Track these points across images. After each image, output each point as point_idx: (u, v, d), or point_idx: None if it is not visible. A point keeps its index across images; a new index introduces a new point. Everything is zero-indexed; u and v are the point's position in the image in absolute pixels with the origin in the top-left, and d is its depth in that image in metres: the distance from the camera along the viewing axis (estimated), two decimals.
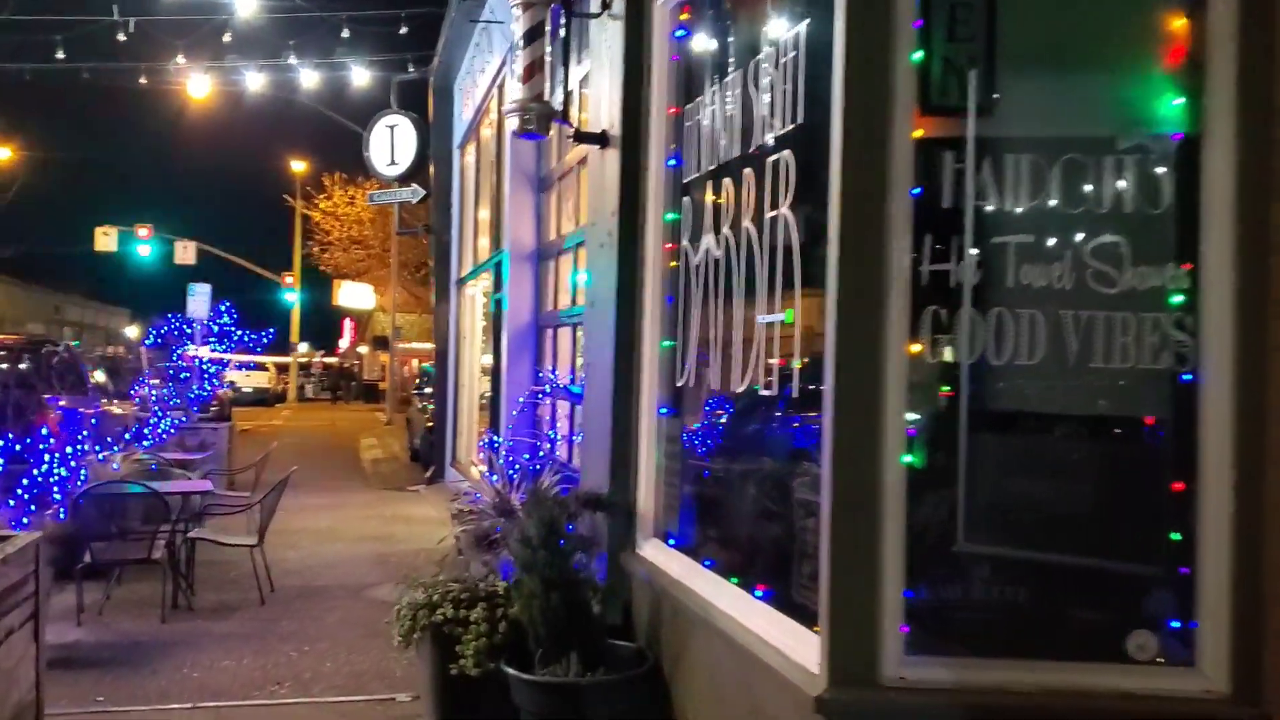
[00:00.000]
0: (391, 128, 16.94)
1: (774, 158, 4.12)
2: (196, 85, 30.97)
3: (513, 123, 5.84)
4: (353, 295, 50.76)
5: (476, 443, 14.70)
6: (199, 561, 8.96)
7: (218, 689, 6.29)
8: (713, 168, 4.80)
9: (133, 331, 43.07)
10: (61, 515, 7.97)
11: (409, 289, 42.86)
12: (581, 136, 6.03)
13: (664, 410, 5.40)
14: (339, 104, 27.22)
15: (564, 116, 6.08)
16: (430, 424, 17.75)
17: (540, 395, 10.63)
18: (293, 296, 50.34)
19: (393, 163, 16.80)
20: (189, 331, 15.67)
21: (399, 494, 15.55)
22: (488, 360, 14.45)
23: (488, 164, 14.66)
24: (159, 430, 13.64)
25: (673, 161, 5.34)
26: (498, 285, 12.65)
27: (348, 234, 43.23)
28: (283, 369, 54.21)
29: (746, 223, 4.34)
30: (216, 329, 15.43)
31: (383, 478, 17.95)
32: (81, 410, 12.73)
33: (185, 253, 46.16)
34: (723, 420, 4.88)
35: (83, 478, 9.03)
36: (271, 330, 15.54)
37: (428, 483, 16.18)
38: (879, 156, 3.41)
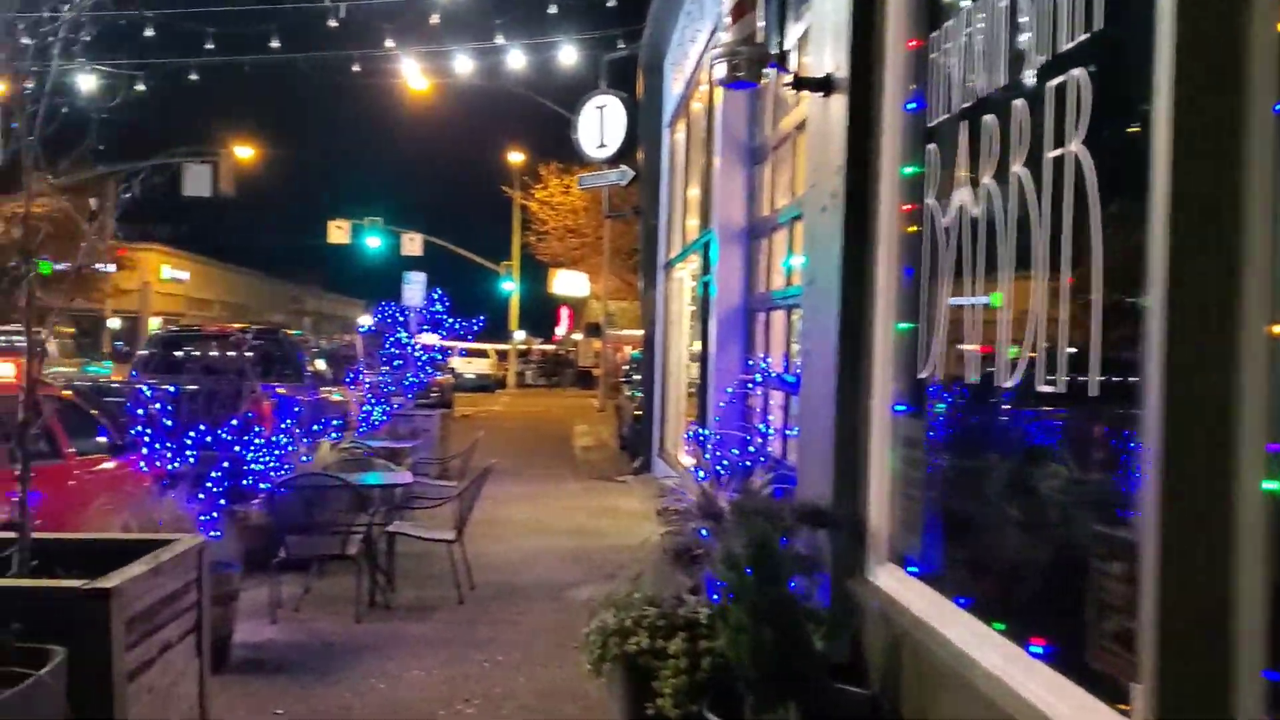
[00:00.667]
0: (600, 109, 16.50)
1: (1057, 81, 3.14)
2: (414, 77, 31.83)
3: (720, 71, 5.03)
4: (567, 283, 51.36)
5: (683, 433, 14.03)
6: (402, 553, 8.62)
7: (401, 704, 5.81)
8: (967, 105, 3.85)
9: (365, 320, 44.58)
10: (267, 506, 7.77)
11: (621, 276, 42.85)
12: (801, 83, 5.15)
13: (901, 407, 4.48)
14: (553, 90, 27.22)
15: (779, 61, 5.22)
16: (638, 412, 17.24)
17: (750, 384, 9.81)
18: (511, 285, 51.40)
19: (602, 145, 16.36)
20: (403, 319, 15.67)
21: (606, 484, 15.08)
22: (696, 346, 13.76)
23: (697, 140, 13.94)
24: (371, 418, 13.63)
25: (912, 105, 4.41)
26: (706, 267, 11.91)
27: (563, 223, 43.64)
28: (503, 356, 55.57)
29: (1017, 168, 3.38)
30: (428, 316, 15.36)
31: (591, 466, 17.58)
32: (297, 398, 12.81)
33: (412, 244, 47.84)
34: (981, 421, 3.92)
35: (285, 468, 8.86)
36: (482, 317, 15.34)
37: (635, 473, 15.66)
38: (1226, 62, 2.40)
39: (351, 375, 14.41)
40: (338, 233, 47.34)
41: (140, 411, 7.41)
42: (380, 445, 11.12)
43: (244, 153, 37.81)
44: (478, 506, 9.19)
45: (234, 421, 9.05)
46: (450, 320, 15.50)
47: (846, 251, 4.75)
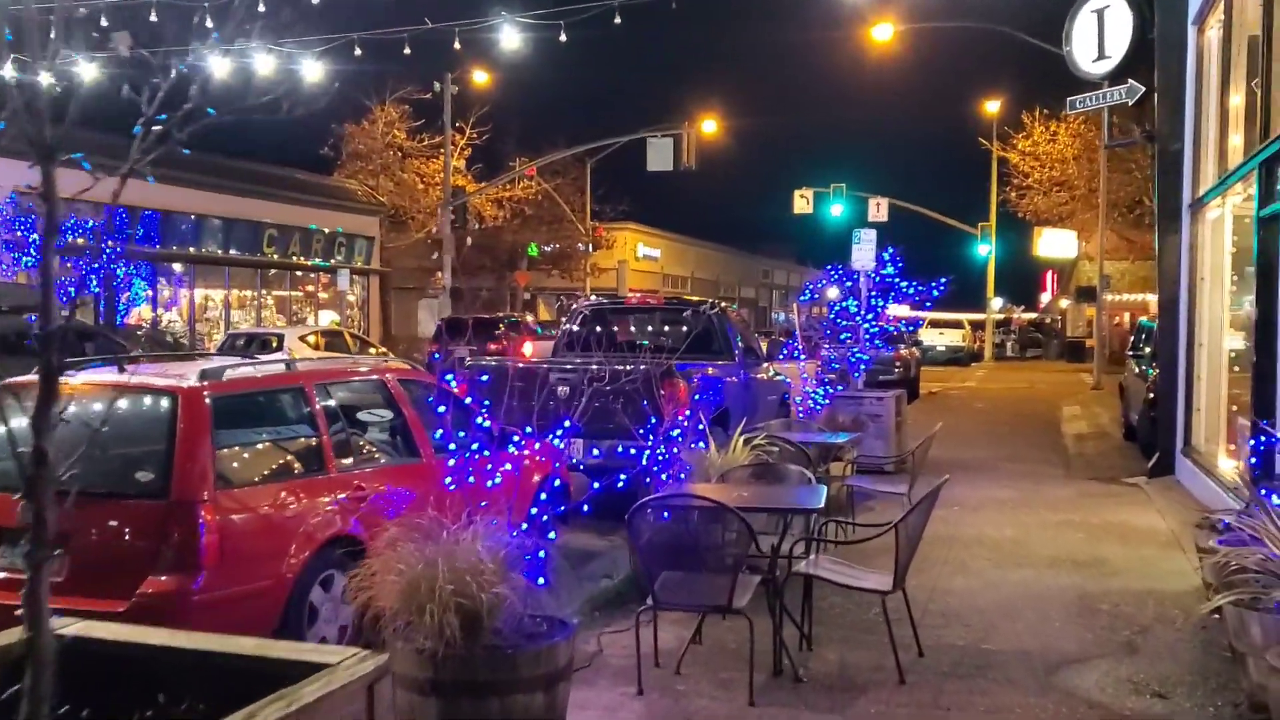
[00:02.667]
0: (1099, 12, 13.07)
1: None
2: (873, 24, 29.44)
3: None
4: (1053, 244, 46.30)
5: (1225, 425, 10.45)
6: (822, 591, 6.36)
7: None
8: None
9: (831, 292, 42.93)
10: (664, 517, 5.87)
11: (1119, 232, 37.42)
12: None
13: None
14: (1033, 13, 23.48)
15: None
16: (1151, 394, 13.62)
17: None
18: (987, 248, 47.08)
19: (1100, 57, 12.93)
20: (850, 285, 13.39)
21: (1109, 489, 11.79)
22: (1245, 308, 10.13)
23: (1241, 31, 10.26)
24: (809, 402, 11.53)
25: None
26: (1267, 196, 8.42)
27: (1048, 175, 39.10)
28: (979, 326, 51.36)
29: None
30: (877, 280, 12.96)
31: (1087, 463, 14.19)
32: (723, 379, 11.00)
33: (878, 210, 45.49)
34: None
35: (676, 475, 6.96)
36: (944, 279, 12.66)
37: (1149, 475, 12.17)
38: None
39: (785, 352, 12.39)
40: (801, 202, 46.18)
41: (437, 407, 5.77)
42: (808, 440, 8.93)
43: (707, 126, 37.34)
44: (935, 516, 6.67)
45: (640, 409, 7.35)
46: (906, 284, 12.99)
47: None
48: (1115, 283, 39.55)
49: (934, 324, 48.74)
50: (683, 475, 7.08)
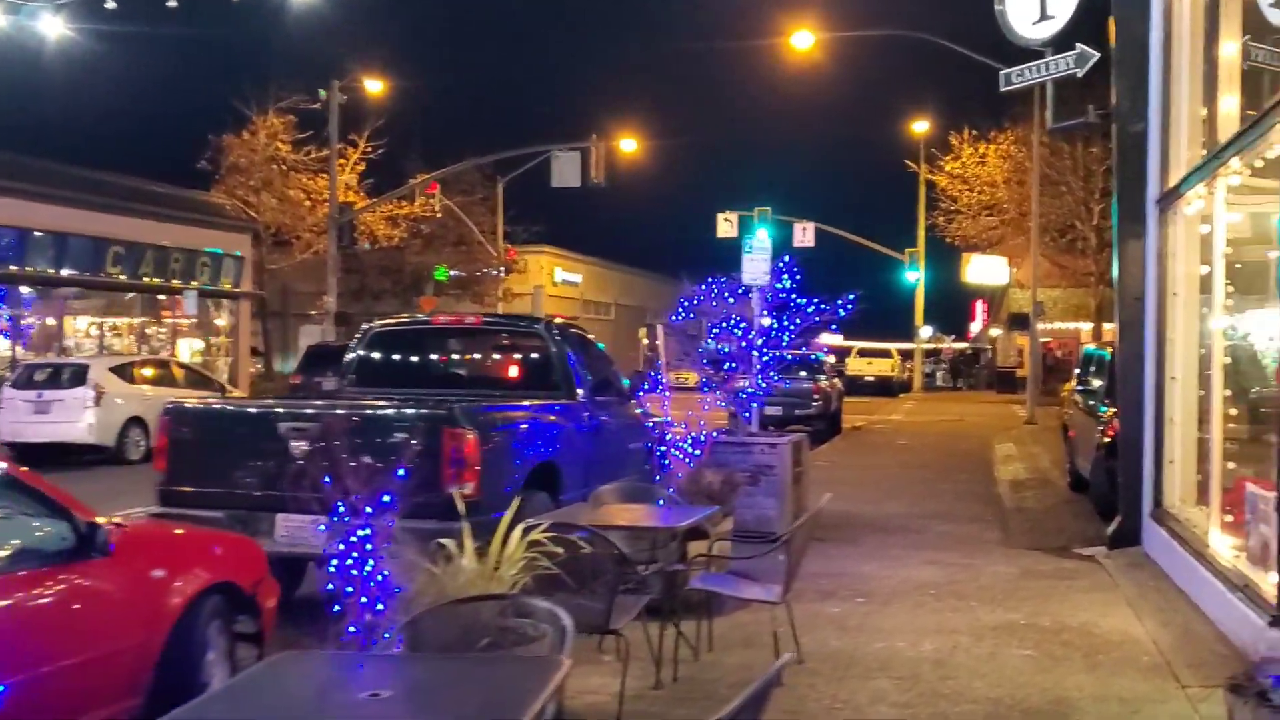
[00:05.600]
0: None
1: None
2: (797, 36, 27.69)
3: None
4: (983, 270, 44.64)
5: (1217, 486, 7.80)
6: None
7: None
8: None
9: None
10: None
11: (1051, 258, 35.54)
12: None
13: None
14: (964, 30, 21.23)
15: None
16: (1108, 438, 11.07)
17: None
18: (914, 275, 45.07)
19: (1043, 17, 10.43)
20: (735, 301, 10.65)
21: (1060, 565, 9.14)
22: (1241, 330, 7.60)
23: None
24: (676, 451, 8.73)
25: None
26: None
27: (977, 199, 37.33)
28: (906, 355, 49.41)
29: None
30: (770, 297, 10.25)
31: (1030, 523, 11.56)
32: (562, 425, 8.19)
33: (804, 235, 43.54)
34: None
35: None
36: (850, 296, 10.01)
37: (1110, 544, 9.54)
38: None
39: (649, 384, 9.62)
40: (725, 226, 44.18)
41: None
42: (646, 522, 6.10)
43: (622, 144, 34.69)
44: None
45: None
46: (805, 302, 10.30)
47: None
48: (1049, 310, 37.69)
49: (862, 353, 46.75)
50: (380, 607, 4.22)
